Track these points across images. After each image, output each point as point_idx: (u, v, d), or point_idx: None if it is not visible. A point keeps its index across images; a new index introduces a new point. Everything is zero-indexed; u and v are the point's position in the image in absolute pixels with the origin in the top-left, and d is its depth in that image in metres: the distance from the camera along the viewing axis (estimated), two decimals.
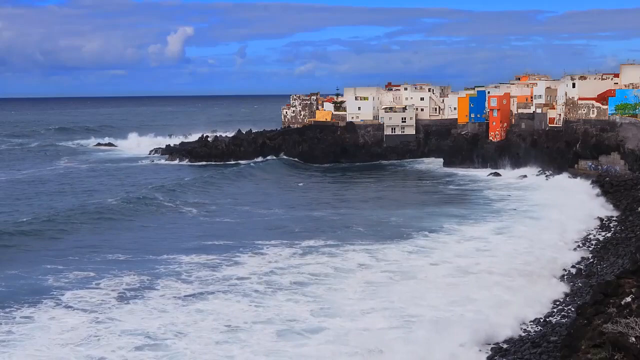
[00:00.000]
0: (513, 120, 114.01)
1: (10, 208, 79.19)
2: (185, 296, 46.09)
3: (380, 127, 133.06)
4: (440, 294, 45.71)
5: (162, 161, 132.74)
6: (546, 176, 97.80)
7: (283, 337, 38.68)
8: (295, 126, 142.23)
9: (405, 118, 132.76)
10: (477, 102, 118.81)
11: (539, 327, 39.46)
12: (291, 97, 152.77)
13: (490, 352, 36.06)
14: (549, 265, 51.99)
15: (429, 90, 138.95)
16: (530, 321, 40.42)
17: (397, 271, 51.79)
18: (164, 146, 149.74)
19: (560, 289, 46.34)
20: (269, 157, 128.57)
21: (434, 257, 55.90)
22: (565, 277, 49.82)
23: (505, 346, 36.71)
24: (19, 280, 49.21)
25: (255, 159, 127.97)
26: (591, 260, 54.20)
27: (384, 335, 38.20)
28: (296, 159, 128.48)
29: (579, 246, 59.27)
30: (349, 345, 36.96)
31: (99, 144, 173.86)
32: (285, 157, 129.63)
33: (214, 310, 42.94)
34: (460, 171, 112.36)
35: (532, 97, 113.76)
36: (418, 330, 38.36)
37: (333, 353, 36.12)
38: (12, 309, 43.12)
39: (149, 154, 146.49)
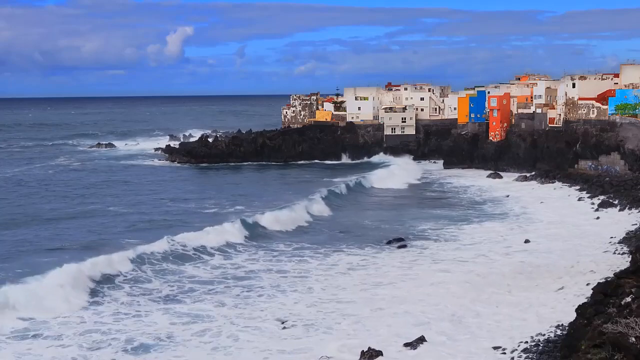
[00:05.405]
0: (513, 120, 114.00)
1: None
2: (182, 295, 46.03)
3: (380, 127, 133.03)
4: (454, 295, 45.64)
5: (162, 161, 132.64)
6: (546, 176, 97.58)
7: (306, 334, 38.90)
8: (295, 126, 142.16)
9: (405, 118, 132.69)
10: (477, 102, 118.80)
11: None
12: (291, 97, 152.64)
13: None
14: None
15: (429, 90, 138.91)
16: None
17: (400, 272, 51.80)
18: (163, 146, 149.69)
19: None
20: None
21: (437, 259, 55.97)
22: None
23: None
24: None
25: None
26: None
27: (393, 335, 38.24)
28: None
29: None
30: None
31: (98, 144, 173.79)
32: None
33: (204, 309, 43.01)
34: (460, 171, 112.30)
35: (532, 97, 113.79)
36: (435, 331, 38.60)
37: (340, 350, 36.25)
38: None
39: (149, 154, 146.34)
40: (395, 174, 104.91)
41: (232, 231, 62.67)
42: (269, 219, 68.80)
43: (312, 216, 73.93)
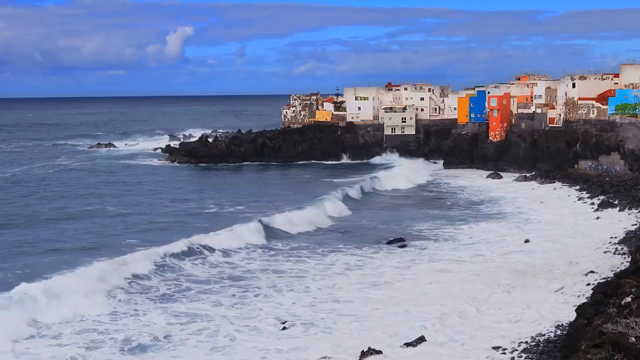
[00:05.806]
0: (513, 120, 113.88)
1: None
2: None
3: (380, 127, 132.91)
4: (453, 294, 45.45)
5: (162, 161, 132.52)
6: (546, 176, 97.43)
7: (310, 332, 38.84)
8: (295, 126, 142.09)
9: (405, 118, 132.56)
10: (477, 102, 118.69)
11: None
12: (291, 97, 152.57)
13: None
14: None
15: (429, 90, 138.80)
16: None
17: (399, 273, 51.73)
18: (163, 146, 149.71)
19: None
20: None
21: (435, 258, 55.95)
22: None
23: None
24: None
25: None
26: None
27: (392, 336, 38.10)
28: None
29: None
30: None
31: (98, 144, 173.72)
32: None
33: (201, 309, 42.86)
34: (460, 171, 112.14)
35: (532, 97, 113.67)
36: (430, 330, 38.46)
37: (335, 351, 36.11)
38: None
39: (149, 154, 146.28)
40: (402, 174, 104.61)
41: (241, 232, 62.30)
42: (282, 220, 68.07)
43: (330, 218, 73.38)
